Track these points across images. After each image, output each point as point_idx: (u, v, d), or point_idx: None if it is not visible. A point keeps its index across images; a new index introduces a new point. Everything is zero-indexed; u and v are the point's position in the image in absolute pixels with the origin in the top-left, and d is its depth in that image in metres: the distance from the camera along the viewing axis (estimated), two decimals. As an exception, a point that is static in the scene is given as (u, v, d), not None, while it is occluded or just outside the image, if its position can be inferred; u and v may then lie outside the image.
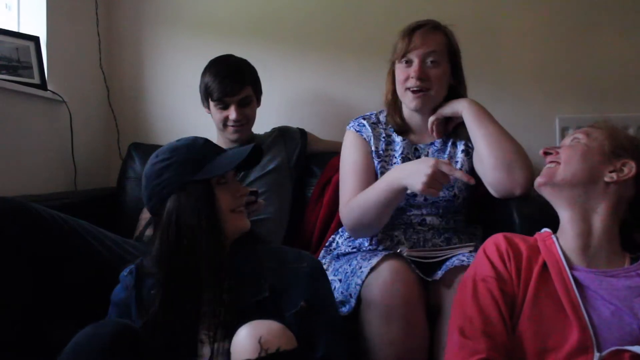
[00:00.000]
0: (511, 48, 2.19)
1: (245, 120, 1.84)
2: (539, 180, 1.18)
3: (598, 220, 1.12)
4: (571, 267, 1.11)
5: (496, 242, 1.16)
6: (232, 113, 1.80)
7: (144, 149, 2.09)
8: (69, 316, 1.37)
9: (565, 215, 1.16)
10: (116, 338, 0.99)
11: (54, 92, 1.93)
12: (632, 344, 1.00)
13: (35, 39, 1.91)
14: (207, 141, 1.19)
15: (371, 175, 1.54)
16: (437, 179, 1.29)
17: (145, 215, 1.82)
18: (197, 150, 1.15)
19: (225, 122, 1.82)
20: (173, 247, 1.10)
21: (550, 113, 2.14)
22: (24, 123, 1.83)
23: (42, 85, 1.89)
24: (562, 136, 2.14)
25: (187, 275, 1.10)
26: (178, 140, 1.19)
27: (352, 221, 1.49)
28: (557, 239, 1.16)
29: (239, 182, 1.19)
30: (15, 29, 1.95)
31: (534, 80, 2.19)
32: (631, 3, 2.17)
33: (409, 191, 1.39)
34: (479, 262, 1.15)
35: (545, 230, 1.21)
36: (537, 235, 1.20)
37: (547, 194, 1.18)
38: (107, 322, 1.06)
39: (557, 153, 1.18)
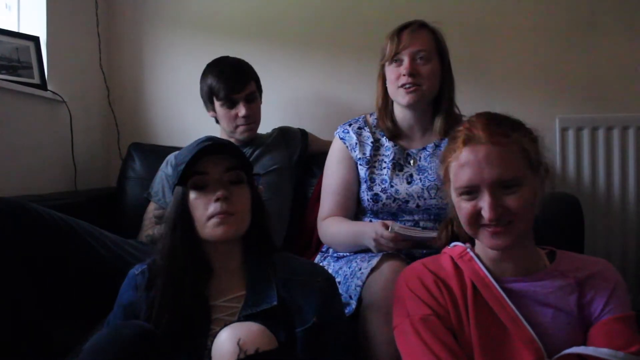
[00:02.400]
0: (511, 48, 2.19)
1: (254, 116, 1.83)
2: None
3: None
4: (500, 280, 1.06)
5: (419, 275, 1.09)
6: (241, 110, 1.78)
7: (144, 149, 2.09)
8: (68, 316, 1.37)
9: None
10: (138, 340, 0.98)
11: (54, 92, 1.93)
12: (576, 343, 1.00)
13: (35, 39, 1.91)
14: (198, 143, 1.13)
15: (350, 195, 1.58)
16: (382, 244, 1.37)
17: (150, 215, 1.82)
18: (183, 154, 1.14)
19: (234, 120, 1.80)
20: (165, 241, 1.14)
21: (550, 113, 2.14)
22: (24, 123, 1.83)
23: (42, 85, 1.90)
24: (562, 136, 2.15)
25: (175, 271, 1.11)
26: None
27: (324, 240, 1.59)
28: (476, 253, 1.10)
29: (222, 185, 1.10)
30: (15, 29, 1.95)
31: (534, 80, 2.19)
32: (631, 3, 2.17)
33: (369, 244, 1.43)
34: (406, 297, 1.07)
35: (456, 244, 1.14)
36: (447, 252, 1.13)
37: None
38: (128, 324, 1.05)
39: None
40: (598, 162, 2.14)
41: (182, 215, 1.11)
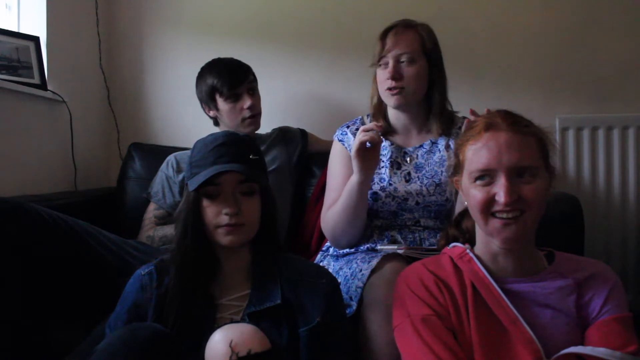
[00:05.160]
0: (511, 48, 2.19)
1: (258, 107, 1.85)
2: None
3: None
4: (499, 280, 1.06)
5: (420, 275, 1.09)
6: (246, 101, 1.81)
7: (144, 149, 2.09)
8: (68, 316, 1.37)
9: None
10: (154, 342, 0.99)
11: (54, 92, 1.93)
12: (575, 343, 1.00)
13: (35, 39, 1.91)
14: (215, 147, 1.13)
15: None
16: (364, 131, 1.37)
17: (150, 215, 1.82)
18: (199, 154, 1.14)
19: (240, 113, 1.81)
20: (176, 242, 1.15)
21: (550, 113, 2.14)
22: (24, 123, 1.83)
23: (42, 85, 1.89)
24: (562, 136, 2.15)
25: (186, 272, 1.12)
26: (210, 135, 1.18)
27: (329, 231, 1.54)
28: (475, 254, 1.10)
29: (233, 198, 1.12)
30: (15, 29, 1.95)
31: (534, 80, 2.19)
32: (631, 2, 2.17)
33: (357, 178, 1.42)
34: (407, 297, 1.07)
35: (456, 245, 1.15)
36: (447, 253, 1.13)
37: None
38: (143, 326, 1.05)
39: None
40: (598, 162, 2.14)
41: (194, 219, 1.12)
